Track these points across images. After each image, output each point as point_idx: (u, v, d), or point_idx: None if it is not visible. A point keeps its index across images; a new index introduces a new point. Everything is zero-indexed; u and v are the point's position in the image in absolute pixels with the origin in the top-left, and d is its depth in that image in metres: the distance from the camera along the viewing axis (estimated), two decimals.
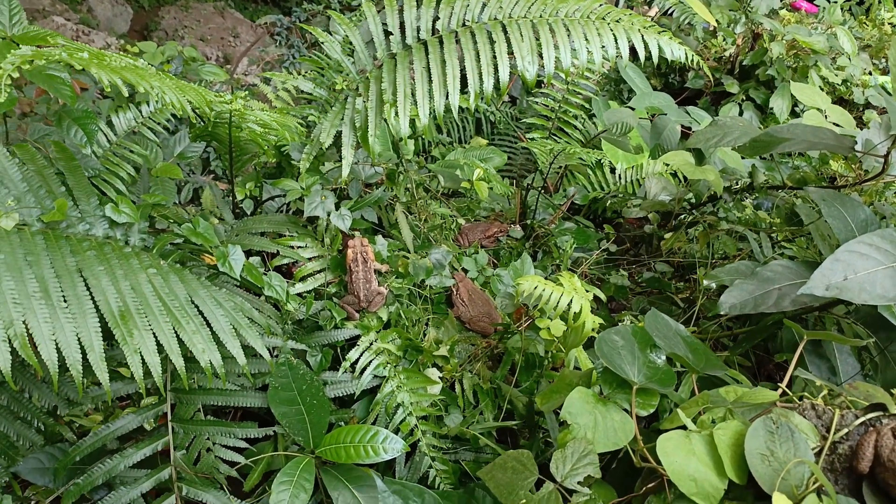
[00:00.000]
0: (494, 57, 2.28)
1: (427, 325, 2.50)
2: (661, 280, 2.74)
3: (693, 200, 3.03)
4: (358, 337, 2.25)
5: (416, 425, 2.14)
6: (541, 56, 2.25)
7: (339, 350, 2.29)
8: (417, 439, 2.13)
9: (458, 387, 2.40)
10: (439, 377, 2.26)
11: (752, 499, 1.31)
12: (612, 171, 3.79)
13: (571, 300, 1.87)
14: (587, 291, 2.40)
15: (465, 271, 2.80)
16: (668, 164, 3.29)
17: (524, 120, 3.60)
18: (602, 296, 2.50)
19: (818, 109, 2.55)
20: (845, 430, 1.34)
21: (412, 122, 2.28)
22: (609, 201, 3.20)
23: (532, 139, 3.36)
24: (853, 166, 2.48)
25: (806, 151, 2.67)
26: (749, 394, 1.52)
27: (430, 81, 2.32)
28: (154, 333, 1.59)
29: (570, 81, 3.34)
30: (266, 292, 2.02)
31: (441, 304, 2.66)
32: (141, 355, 1.55)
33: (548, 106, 3.48)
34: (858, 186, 2.37)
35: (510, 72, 2.19)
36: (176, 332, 1.62)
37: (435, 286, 2.49)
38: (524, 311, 2.44)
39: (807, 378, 1.57)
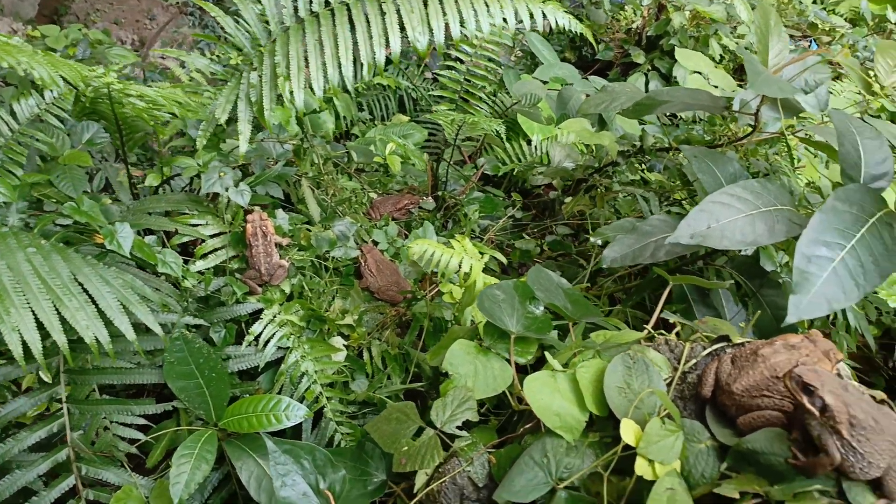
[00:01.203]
0: (386, 28, 2.32)
1: (334, 295, 2.54)
2: (563, 242, 2.85)
3: (596, 166, 3.15)
4: (261, 310, 2.27)
5: (320, 393, 2.18)
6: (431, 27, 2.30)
7: (243, 325, 2.30)
8: (323, 406, 2.17)
9: (366, 354, 2.45)
10: (344, 345, 2.31)
11: (611, 429, 1.42)
12: (529, 142, 3.88)
13: (462, 261, 1.94)
14: (482, 254, 2.49)
15: (376, 243, 2.84)
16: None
17: (431, 93, 3.64)
18: (502, 258, 2.59)
19: (700, 73, 2.68)
20: (693, 361, 1.46)
21: (330, 101, 2.30)
22: (516, 170, 3.29)
23: (439, 111, 3.41)
24: (731, 125, 2.63)
25: (684, 112, 2.81)
26: (616, 336, 1.62)
27: (324, 54, 2.34)
28: (33, 312, 1.58)
29: (474, 54, 3.40)
30: (160, 269, 2.02)
31: (350, 276, 2.69)
32: (20, 333, 1.53)
33: (453, 78, 3.53)
34: (737, 144, 2.52)
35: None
36: (57, 310, 1.61)
37: (340, 258, 2.52)
38: (430, 278, 2.51)
39: (680, 321, 1.68)
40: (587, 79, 4.11)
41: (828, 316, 2.56)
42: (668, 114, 3.89)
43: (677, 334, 1.58)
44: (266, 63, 2.40)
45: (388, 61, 2.29)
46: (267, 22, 2.44)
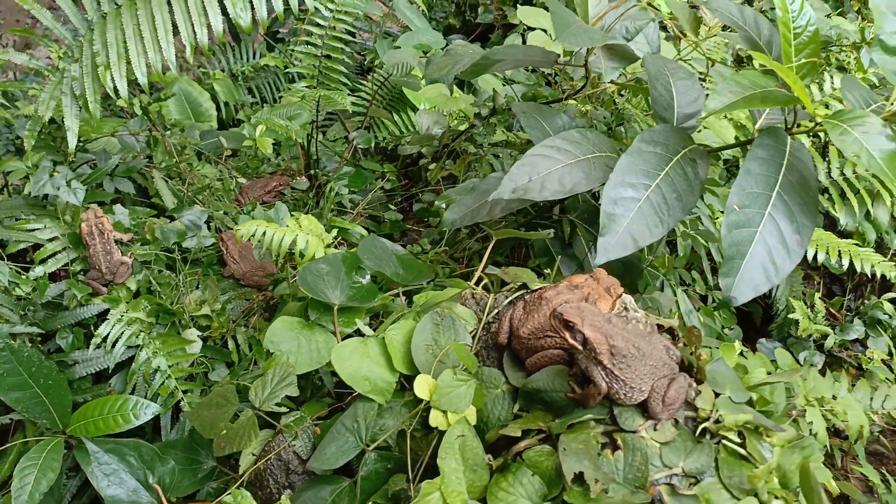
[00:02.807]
0: (204, 7, 2.25)
1: (196, 287, 2.49)
2: (429, 209, 2.87)
3: (460, 130, 3.17)
4: (108, 311, 2.21)
5: (176, 387, 2.15)
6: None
7: (92, 327, 2.23)
8: (179, 400, 2.14)
9: (231, 342, 2.42)
10: (204, 336, 2.27)
11: None
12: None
13: (296, 239, 1.93)
14: (340, 230, 2.48)
15: None
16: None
17: (288, 70, 3.57)
18: (363, 231, 2.60)
19: (543, 30, 2.71)
20: (496, 311, 1.50)
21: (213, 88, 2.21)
22: (386, 141, 3.28)
23: (293, 89, 3.34)
24: (568, 79, 2.68)
25: (516, 68, 2.85)
26: (435, 296, 1.65)
27: (143, 39, 2.26)
28: None
29: (328, 27, 3.33)
30: None
31: (213, 265, 2.64)
32: None
33: (310, 53, 3.46)
34: (581, 96, 2.57)
35: None
36: None
37: (193, 248, 2.47)
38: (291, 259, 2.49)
39: (491, 274, 1.72)
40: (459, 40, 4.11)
41: None
42: (537, 70, 3.93)
43: (486, 287, 1.62)
44: (86, 53, 2.30)
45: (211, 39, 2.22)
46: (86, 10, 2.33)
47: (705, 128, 2.83)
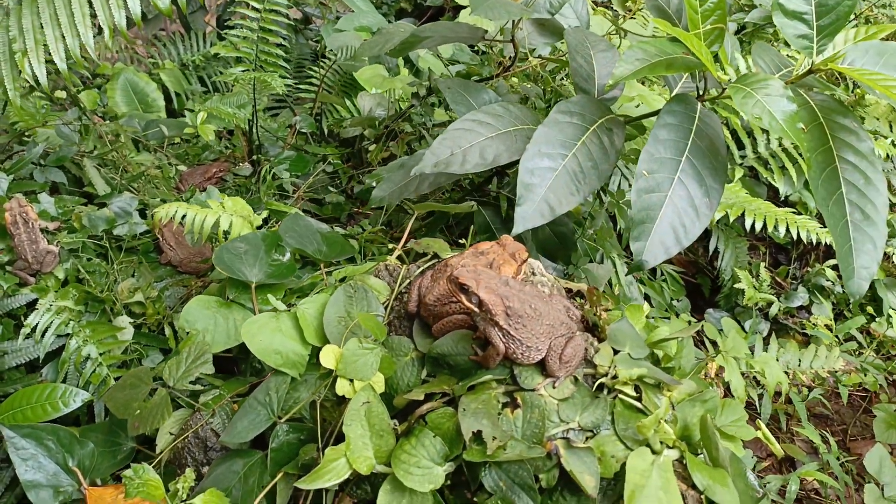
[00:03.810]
0: None
1: (132, 275, 2.46)
2: (369, 190, 2.87)
3: (401, 110, 3.17)
4: (37, 300, 2.18)
5: (108, 375, 2.13)
6: None
7: (22, 317, 2.20)
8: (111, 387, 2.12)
9: (167, 329, 2.40)
10: (132, 323, 2.25)
11: None
12: None
13: (218, 219, 1.92)
14: (274, 213, 2.47)
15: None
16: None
17: (220, 54, 3.53)
18: (298, 213, 2.59)
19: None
20: (408, 281, 1.52)
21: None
22: (330, 124, 3.26)
23: (233, 74, 3.30)
24: (500, 56, 2.70)
25: (444, 44, 2.85)
26: (352, 269, 1.66)
27: (60, 25, 2.21)
28: None
29: (262, 9, 3.30)
30: None
31: (150, 253, 2.62)
32: None
33: (244, 37, 3.41)
34: (510, 73, 2.59)
35: None
36: None
37: (125, 235, 2.44)
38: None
39: (409, 248, 1.74)
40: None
41: None
42: (483, 50, 3.93)
43: (401, 259, 1.64)
44: (2, 40, 2.25)
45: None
46: None
47: (641, 103, 2.87)
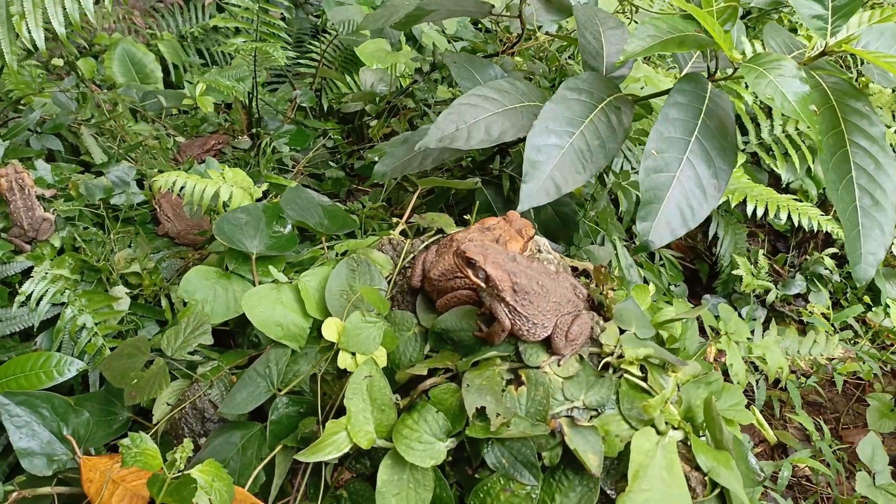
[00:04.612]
0: None
1: (129, 245, 2.43)
2: (370, 166, 2.83)
3: (403, 86, 3.12)
4: (32, 268, 2.15)
5: (103, 345, 2.11)
6: None
7: (17, 285, 2.17)
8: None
9: (164, 301, 2.38)
10: (129, 294, 2.23)
11: None
12: None
13: (219, 190, 1.89)
14: (273, 185, 2.44)
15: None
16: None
17: (220, 27, 3.47)
18: (290, 185, 2.55)
19: None
20: (412, 256, 1.49)
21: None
22: (331, 99, 3.22)
23: (233, 44, 3.25)
24: (507, 32, 2.65)
25: (447, 19, 2.81)
26: (356, 243, 1.64)
27: None
28: None
29: None
30: None
31: (147, 224, 2.59)
32: None
33: (244, 6, 3.35)
34: (516, 49, 2.55)
35: None
36: None
37: (122, 205, 2.41)
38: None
39: (413, 222, 1.71)
40: None
41: None
42: (487, 29, 3.88)
43: (404, 234, 1.61)
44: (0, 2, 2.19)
45: None
46: None
47: (646, 84, 2.84)
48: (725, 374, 2.36)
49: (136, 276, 2.32)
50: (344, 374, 1.39)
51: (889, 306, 3.15)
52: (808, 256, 3.52)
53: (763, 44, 3.44)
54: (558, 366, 1.24)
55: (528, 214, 2.45)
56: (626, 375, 1.25)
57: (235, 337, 2.16)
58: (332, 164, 2.92)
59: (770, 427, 2.94)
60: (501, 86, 1.99)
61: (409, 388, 1.32)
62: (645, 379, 1.25)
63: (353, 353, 1.30)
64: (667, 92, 2.08)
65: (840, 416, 2.96)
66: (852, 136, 1.63)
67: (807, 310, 3.22)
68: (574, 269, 1.46)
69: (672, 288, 3.19)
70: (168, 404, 1.50)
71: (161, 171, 2.78)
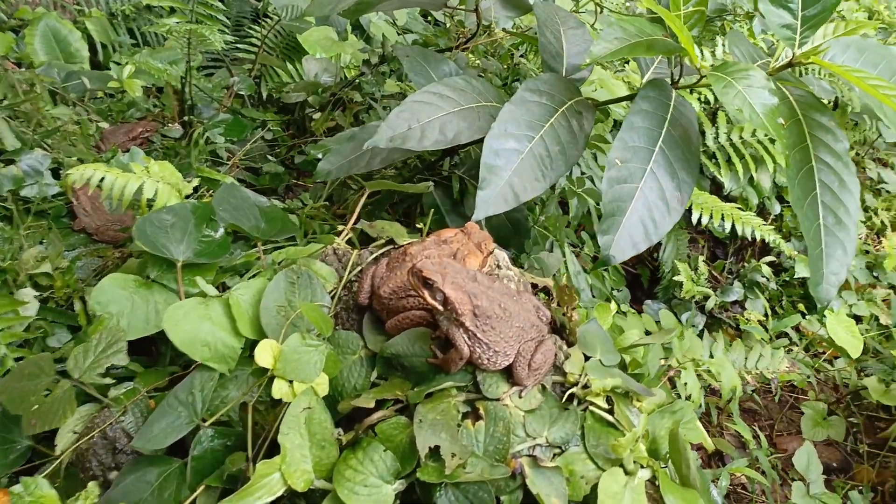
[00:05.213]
0: None
1: (40, 242, 2.19)
2: (312, 162, 2.66)
3: (349, 77, 2.95)
4: None
5: (6, 354, 1.87)
6: None
7: None
8: (9, 369, 1.87)
9: (77, 304, 2.15)
10: (37, 297, 1.99)
11: None
12: None
13: (142, 186, 1.69)
14: (206, 181, 2.25)
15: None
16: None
17: (153, 6, 3.22)
18: (233, 181, 2.36)
19: None
20: (359, 269, 1.35)
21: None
22: (270, 88, 3.01)
23: (166, 24, 3.00)
24: (461, 27, 2.53)
25: (398, 9, 2.67)
26: (296, 251, 1.48)
27: None
28: None
29: None
30: None
31: (62, 218, 2.34)
32: None
33: None
34: (470, 45, 2.43)
35: None
36: None
37: (35, 197, 2.17)
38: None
39: (359, 227, 1.57)
40: None
41: None
42: (438, 23, 3.75)
43: (351, 243, 1.47)
44: None
45: None
46: None
47: (600, 87, 2.77)
48: (673, 384, 2.33)
49: (46, 277, 2.08)
50: (279, 402, 1.24)
51: (824, 316, 3.20)
52: (745, 263, 3.56)
53: (713, 52, 3.43)
54: (520, 397, 1.13)
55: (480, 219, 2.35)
56: (591, 408, 1.15)
57: (157, 345, 1.96)
58: (270, 157, 2.73)
59: (707, 434, 2.94)
60: (457, 83, 1.87)
61: (353, 420, 1.18)
62: (611, 412, 1.16)
63: (291, 382, 1.16)
64: (628, 98, 2.01)
65: (774, 423, 3.00)
66: (818, 152, 1.58)
67: (744, 317, 3.25)
68: (534, 286, 1.35)
69: (615, 293, 3.15)
70: (74, 432, 1.32)
71: (81, 160, 2.54)
